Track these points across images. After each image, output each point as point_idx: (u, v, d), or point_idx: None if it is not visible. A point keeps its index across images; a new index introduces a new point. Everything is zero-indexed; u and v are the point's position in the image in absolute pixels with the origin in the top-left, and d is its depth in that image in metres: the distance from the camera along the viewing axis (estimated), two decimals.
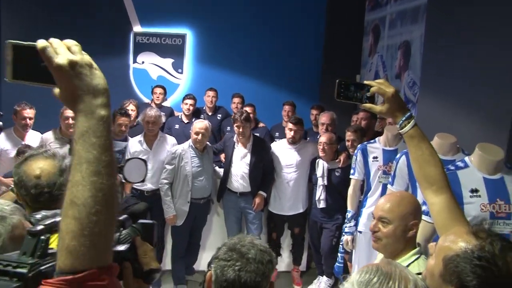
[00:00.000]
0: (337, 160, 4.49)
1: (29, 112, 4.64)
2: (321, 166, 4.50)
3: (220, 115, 6.53)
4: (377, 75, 6.33)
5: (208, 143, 4.76)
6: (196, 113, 6.36)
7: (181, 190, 4.45)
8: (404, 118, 1.64)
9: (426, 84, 4.37)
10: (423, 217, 2.48)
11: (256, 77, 7.24)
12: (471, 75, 3.62)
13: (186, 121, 6.10)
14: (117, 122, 4.76)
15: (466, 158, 2.53)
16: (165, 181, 4.51)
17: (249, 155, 4.66)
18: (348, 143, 4.33)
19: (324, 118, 5.04)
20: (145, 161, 1.60)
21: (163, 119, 5.02)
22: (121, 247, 1.28)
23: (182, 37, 7.12)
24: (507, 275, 1.14)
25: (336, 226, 4.45)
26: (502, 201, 2.40)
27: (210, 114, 6.43)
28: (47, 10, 6.88)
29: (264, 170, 4.72)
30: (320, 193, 4.50)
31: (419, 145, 1.63)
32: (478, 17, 3.66)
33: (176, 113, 6.57)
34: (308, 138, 5.44)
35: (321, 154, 4.46)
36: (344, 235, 3.89)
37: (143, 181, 1.61)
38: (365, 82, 1.63)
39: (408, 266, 1.80)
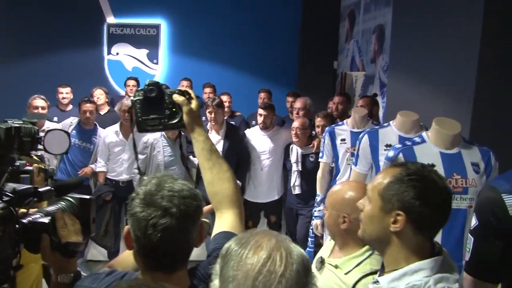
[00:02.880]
0: (310, 146, 4.43)
1: (41, 102, 4.61)
2: (295, 152, 4.45)
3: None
4: (353, 61, 6.27)
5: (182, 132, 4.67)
6: None
7: None
8: None
9: (394, 64, 4.32)
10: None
11: (232, 66, 7.18)
12: (436, 54, 3.58)
13: None
14: (82, 109, 4.70)
15: (424, 133, 2.47)
16: (137, 171, 4.43)
17: (221, 142, 4.55)
18: (318, 129, 4.27)
19: (298, 103, 5.00)
20: (67, 133, 1.58)
21: None
22: (43, 219, 1.27)
23: (157, 27, 7.03)
24: (433, 181, 1.30)
25: (311, 212, 4.39)
26: (459, 175, 2.34)
27: None
28: (20, 2, 6.76)
29: (238, 158, 4.61)
30: (295, 179, 4.44)
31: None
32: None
33: None
34: (285, 126, 5.39)
35: (294, 139, 4.41)
36: (313, 220, 3.84)
37: (65, 153, 1.60)
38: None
39: (360, 263, 1.71)
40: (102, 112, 5.54)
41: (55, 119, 5.33)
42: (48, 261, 1.26)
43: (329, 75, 6.99)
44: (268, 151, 4.68)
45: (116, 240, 4.70)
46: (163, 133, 4.47)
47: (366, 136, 3.03)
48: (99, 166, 4.72)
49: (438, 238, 2.28)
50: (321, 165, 3.93)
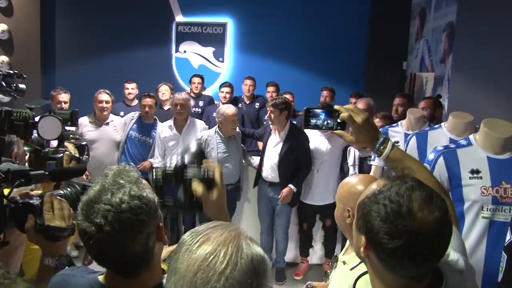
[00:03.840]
0: (368, 149, 4.23)
1: (64, 97, 4.87)
2: (353, 154, 4.33)
3: (258, 104, 6.46)
4: (423, 61, 5.93)
5: (238, 129, 4.68)
6: (234, 102, 6.33)
7: None
8: (378, 144, 1.44)
9: (458, 64, 4.00)
10: None
11: (297, 65, 7.07)
12: (502, 54, 3.25)
13: None
14: (142, 104, 4.89)
15: (471, 136, 2.24)
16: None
17: (280, 145, 4.44)
18: None
19: (360, 104, 4.86)
20: (60, 120, 1.58)
21: (192, 103, 5.03)
22: (33, 200, 1.31)
23: (223, 25, 7.10)
24: (408, 213, 1.00)
25: None
26: (509, 184, 2.09)
27: (247, 102, 6.39)
28: (96, 7, 7.17)
29: (297, 162, 4.44)
30: None
31: (404, 165, 1.42)
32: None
33: (216, 102, 6.59)
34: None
35: None
36: None
37: (58, 139, 1.62)
38: (336, 107, 1.44)
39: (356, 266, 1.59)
40: (165, 108, 5.71)
41: (122, 113, 5.57)
42: (33, 241, 1.30)
43: (398, 76, 6.68)
44: (324, 152, 4.54)
45: (172, 235, 4.85)
46: (217, 129, 4.51)
47: (414, 138, 2.83)
48: (156, 162, 4.82)
49: (482, 254, 2.07)
50: (372, 168, 3.74)
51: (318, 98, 5.94)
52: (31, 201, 1.31)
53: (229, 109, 4.51)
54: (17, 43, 6.93)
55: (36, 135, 1.59)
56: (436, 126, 2.83)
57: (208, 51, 7.19)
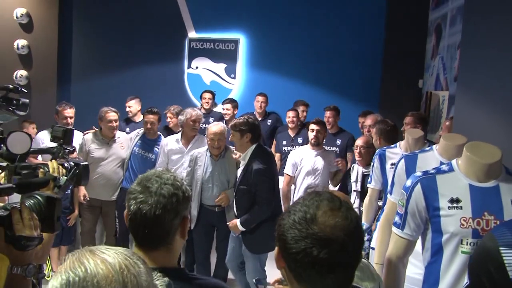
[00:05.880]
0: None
1: (70, 112, 4.91)
2: (356, 171, 4.25)
3: (270, 121, 6.39)
4: (438, 79, 5.68)
5: (232, 148, 4.51)
6: None
7: (194, 193, 4.25)
8: None
9: (463, 84, 3.78)
10: (394, 229, 2.06)
11: (311, 82, 6.92)
12: (507, 75, 3.03)
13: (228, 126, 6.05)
14: (144, 120, 4.93)
15: (454, 161, 2.03)
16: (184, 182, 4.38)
17: (239, 172, 3.99)
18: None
19: (368, 120, 4.76)
20: (29, 135, 1.70)
21: (203, 120, 5.05)
22: (0, 212, 1.35)
23: (235, 42, 7.04)
24: (311, 219, 1.04)
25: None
26: (492, 215, 1.87)
27: (260, 119, 6.29)
28: (111, 24, 7.27)
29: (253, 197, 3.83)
30: (353, 200, 4.17)
31: None
32: None
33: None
34: None
35: (357, 158, 4.24)
36: None
37: (26, 153, 1.72)
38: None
39: None
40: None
41: (128, 129, 5.56)
42: (2, 252, 1.32)
43: (413, 95, 6.43)
44: (320, 170, 4.44)
45: None
46: (207, 148, 4.31)
47: (402, 161, 2.63)
48: None
49: None
50: (369, 191, 3.55)
51: (322, 117, 5.76)
52: None
53: (213, 127, 4.25)
54: (35, 58, 7.11)
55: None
56: (427, 148, 2.63)
57: (220, 68, 7.14)
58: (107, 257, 0.92)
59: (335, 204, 1.07)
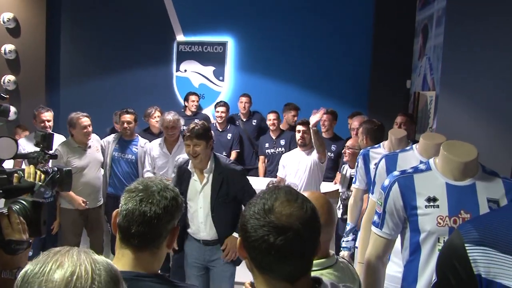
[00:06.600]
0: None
1: (47, 115, 4.78)
2: (344, 172, 4.28)
3: (255, 121, 6.42)
4: (425, 80, 5.71)
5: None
6: (231, 120, 6.27)
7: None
8: None
9: (445, 85, 3.81)
10: (373, 228, 2.06)
11: (299, 84, 6.94)
12: (487, 77, 3.05)
13: (220, 129, 6.06)
14: (120, 120, 4.83)
15: (431, 160, 2.04)
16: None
17: (209, 186, 3.28)
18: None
19: (355, 122, 4.77)
20: (15, 140, 1.72)
21: (182, 122, 4.93)
22: None
23: (223, 44, 7.05)
24: (269, 209, 1.11)
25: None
26: (468, 214, 1.88)
27: (244, 120, 6.36)
28: (99, 28, 7.25)
29: (239, 204, 3.39)
30: (338, 202, 4.23)
31: None
32: (498, 19, 3.10)
33: (212, 120, 6.53)
34: None
35: (345, 158, 4.26)
36: (341, 251, 3.45)
37: (13, 158, 1.75)
38: None
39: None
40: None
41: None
42: None
43: (401, 95, 6.46)
44: (309, 169, 4.44)
45: None
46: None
47: (383, 161, 2.65)
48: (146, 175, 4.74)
49: None
50: (353, 191, 3.55)
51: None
52: None
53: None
54: (23, 63, 7.09)
55: None
56: (408, 147, 2.64)
57: (209, 70, 7.14)
58: (66, 262, 0.90)
59: (292, 196, 1.13)
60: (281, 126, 5.98)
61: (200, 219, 3.29)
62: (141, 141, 4.90)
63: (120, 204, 1.50)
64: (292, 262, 1.10)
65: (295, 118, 5.97)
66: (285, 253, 1.08)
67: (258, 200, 1.15)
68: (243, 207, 3.19)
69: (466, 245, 1.17)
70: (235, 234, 3.20)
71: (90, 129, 4.56)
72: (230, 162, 3.47)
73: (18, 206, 1.46)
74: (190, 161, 3.31)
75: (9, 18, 6.84)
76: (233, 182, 3.28)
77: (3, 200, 1.62)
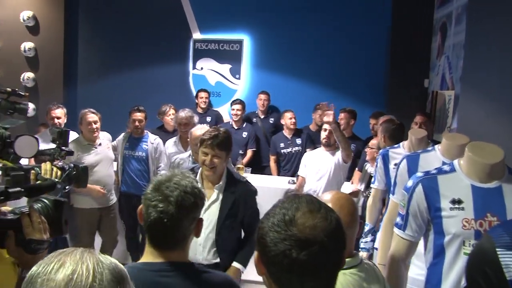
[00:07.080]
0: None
1: (57, 112, 4.80)
2: (365, 171, 4.27)
3: (272, 119, 6.43)
4: (444, 79, 5.63)
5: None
6: (247, 119, 6.28)
7: None
8: None
9: (467, 84, 3.75)
10: (395, 230, 2.04)
11: (315, 83, 6.90)
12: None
13: (236, 127, 6.07)
14: (131, 118, 4.83)
15: (455, 161, 2.01)
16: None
17: (218, 204, 2.84)
18: None
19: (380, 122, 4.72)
20: (36, 138, 1.67)
21: (196, 119, 4.93)
22: (11, 216, 1.39)
23: (240, 42, 7.04)
24: (290, 220, 1.02)
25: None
26: (494, 217, 1.85)
27: (262, 117, 6.38)
28: (116, 26, 7.29)
29: (242, 230, 2.99)
30: (359, 200, 4.21)
31: None
32: None
33: (228, 119, 6.56)
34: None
35: (368, 157, 4.24)
36: (360, 251, 3.42)
37: (34, 156, 1.71)
38: None
39: None
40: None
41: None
42: (13, 256, 1.36)
43: (419, 95, 6.39)
44: (331, 170, 4.37)
45: None
46: (190, 153, 4.05)
47: (404, 161, 2.62)
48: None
49: None
50: (372, 191, 3.52)
51: (337, 118, 5.73)
52: (8, 217, 1.37)
53: (198, 131, 3.69)
54: (42, 60, 7.16)
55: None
56: (430, 148, 2.61)
57: (225, 68, 7.14)
58: (68, 261, 0.89)
59: (315, 206, 1.05)
60: (310, 127, 5.99)
61: (199, 241, 2.73)
62: (151, 137, 4.91)
63: (143, 211, 1.56)
64: (316, 278, 1.01)
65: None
66: (308, 268, 0.99)
67: (277, 210, 1.05)
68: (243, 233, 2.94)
69: (497, 249, 1.16)
70: (236, 264, 2.82)
71: (95, 125, 4.46)
72: (244, 180, 3.00)
73: (40, 205, 1.46)
74: (200, 169, 2.83)
75: (28, 17, 6.92)
76: (245, 204, 2.83)
77: (25, 199, 1.59)
